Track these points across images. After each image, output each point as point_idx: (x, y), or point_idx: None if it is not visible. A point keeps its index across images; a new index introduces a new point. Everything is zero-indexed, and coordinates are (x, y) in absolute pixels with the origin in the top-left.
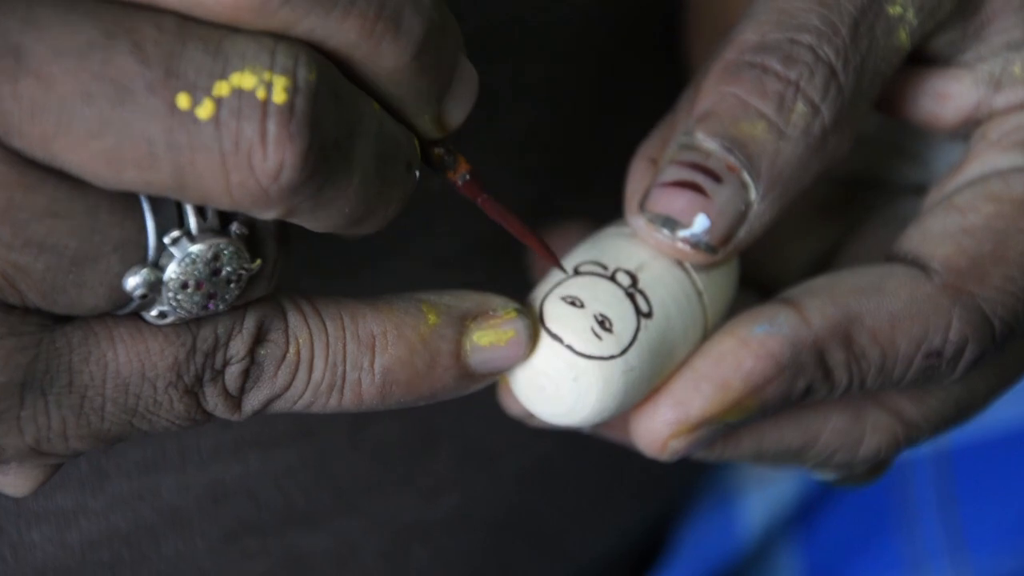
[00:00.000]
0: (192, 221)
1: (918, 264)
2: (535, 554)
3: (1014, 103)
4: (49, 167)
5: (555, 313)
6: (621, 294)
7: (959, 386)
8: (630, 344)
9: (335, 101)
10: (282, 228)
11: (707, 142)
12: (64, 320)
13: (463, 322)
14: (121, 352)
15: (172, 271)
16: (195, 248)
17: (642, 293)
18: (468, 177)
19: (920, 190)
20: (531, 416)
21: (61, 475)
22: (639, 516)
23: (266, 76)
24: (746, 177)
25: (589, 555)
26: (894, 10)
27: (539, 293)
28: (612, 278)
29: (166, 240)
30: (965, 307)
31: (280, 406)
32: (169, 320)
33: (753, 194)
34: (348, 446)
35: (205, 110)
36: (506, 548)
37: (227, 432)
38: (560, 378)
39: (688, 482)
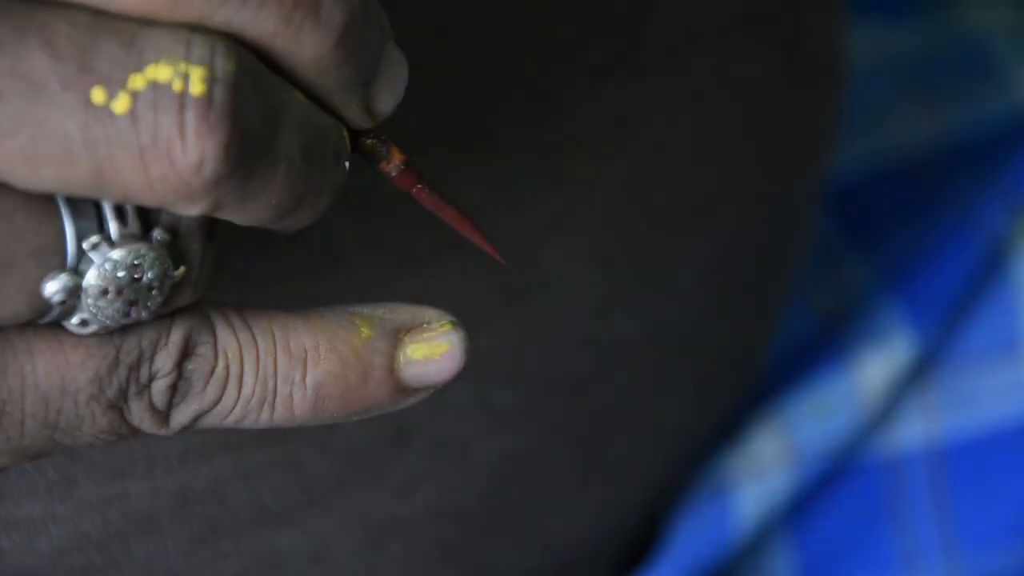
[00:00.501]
0: (112, 226)
1: None
2: (513, 544)
3: None
4: None
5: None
6: None
7: None
8: None
9: (256, 91)
10: (208, 234)
11: None
12: None
13: (397, 335)
14: (40, 365)
15: (91, 277)
16: (115, 254)
17: None
18: (402, 167)
19: None
20: None
21: (29, 482)
22: (620, 503)
23: (182, 67)
24: None
25: (567, 542)
26: None
27: None
28: None
29: (85, 246)
30: None
31: (209, 421)
32: (91, 329)
33: None
34: (318, 445)
35: (121, 104)
36: (483, 539)
37: (195, 435)
38: None
39: (669, 471)
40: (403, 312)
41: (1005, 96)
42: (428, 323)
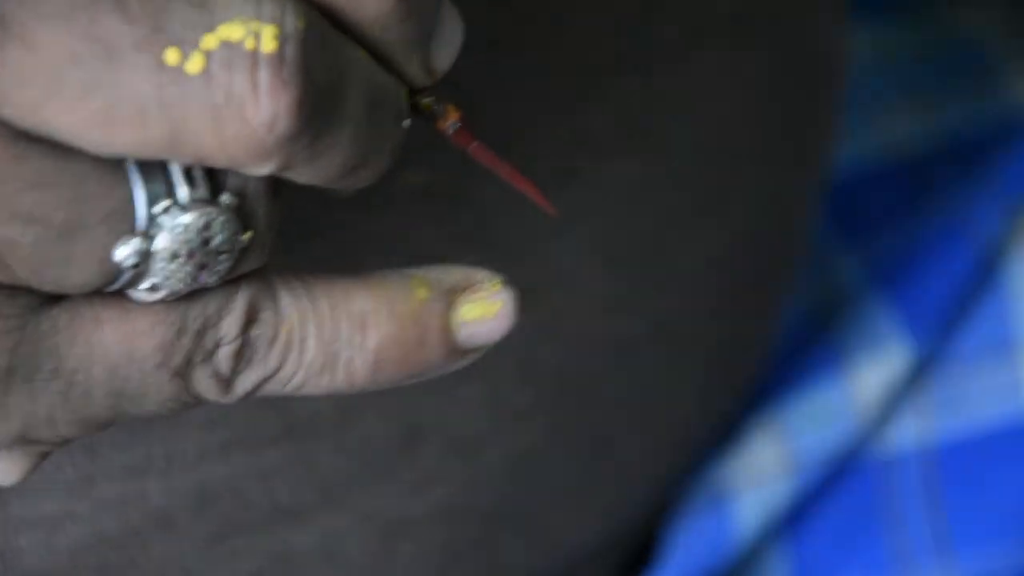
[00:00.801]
0: (181, 190)
1: None
2: (523, 543)
3: None
4: (36, 137)
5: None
6: None
7: None
8: None
9: (324, 48)
10: (274, 198)
11: None
12: (50, 302)
13: (451, 296)
14: (108, 334)
15: (162, 241)
16: (185, 218)
17: None
18: (459, 125)
19: None
20: None
21: (47, 480)
22: (627, 501)
23: (254, 26)
24: None
25: (575, 543)
26: None
27: None
28: None
29: (155, 210)
30: None
31: (271, 388)
32: (160, 295)
33: None
34: (333, 443)
35: (194, 64)
36: (493, 538)
37: (213, 434)
38: None
39: (675, 471)
40: (455, 273)
41: (999, 96)
42: (480, 283)
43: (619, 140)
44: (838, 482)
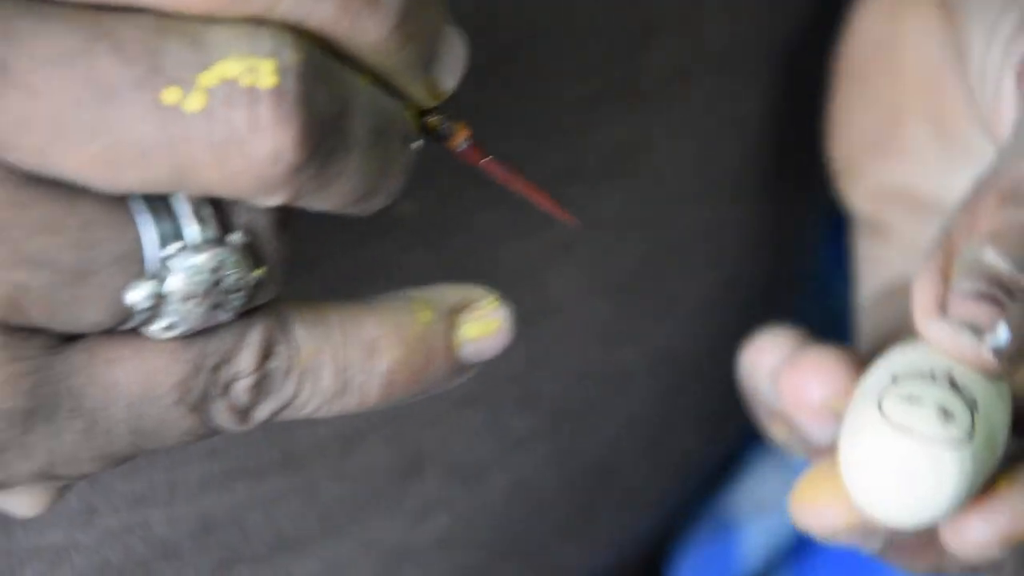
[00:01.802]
0: (191, 231)
1: None
2: (526, 571)
3: None
4: (42, 183)
5: (896, 409)
6: (947, 387)
7: None
8: (972, 431)
9: (324, 79)
10: (283, 232)
11: (998, 261)
12: (67, 343)
13: (452, 316)
14: (126, 373)
15: (174, 283)
16: (196, 259)
17: (964, 388)
18: (469, 143)
19: None
20: (856, 525)
21: (51, 511)
22: (629, 531)
23: (251, 62)
24: None
25: (579, 571)
26: None
27: (866, 398)
28: (932, 377)
29: (166, 253)
30: None
31: (287, 415)
32: (177, 332)
33: None
34: (335, 471)
35: (194, 102)
36: (496, 567)
37: (215, 463)
38: (916, 469)
39: (679, 500)
40: (454, 293)
41: None
42: (477, 302)
43: (612, 170)
44: None
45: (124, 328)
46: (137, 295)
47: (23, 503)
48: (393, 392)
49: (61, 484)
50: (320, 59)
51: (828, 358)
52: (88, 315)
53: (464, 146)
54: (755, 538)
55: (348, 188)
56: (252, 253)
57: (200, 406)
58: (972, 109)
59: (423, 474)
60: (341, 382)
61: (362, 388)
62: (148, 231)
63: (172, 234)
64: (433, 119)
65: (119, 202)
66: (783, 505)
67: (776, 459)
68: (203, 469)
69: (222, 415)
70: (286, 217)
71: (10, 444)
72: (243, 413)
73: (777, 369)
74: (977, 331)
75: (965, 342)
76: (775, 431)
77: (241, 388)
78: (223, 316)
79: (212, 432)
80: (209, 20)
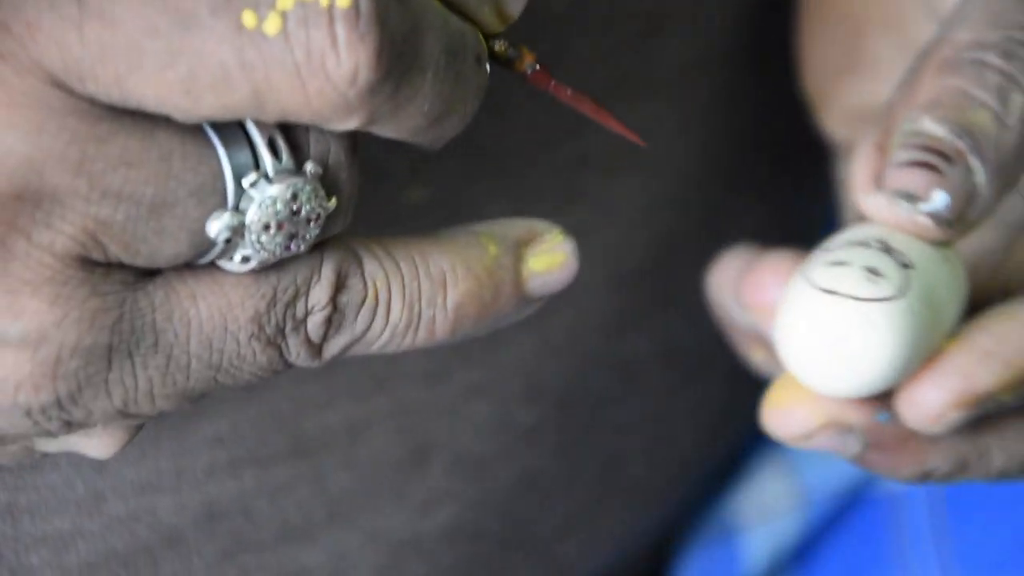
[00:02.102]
0: (268, 162)
1: None
2: (530, 565)
3: None
4: (122, 116)
5: (822, 274)
6: (879, 251)
7: None
8: (907, 288)
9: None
10: (354, 164)
11: (936, 127)
12: (145, 279)
13: (519, 249)
14: (203, 307)
15: (253, 214)
16: (273, 189)
17: (899, 252)
18: (536, 66)
19: None
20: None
21: (58, 498)
22: (634, 526)
23: None
24: (974, 161)
25: (584, 566)
26: None
27: (799, 273)
28: (865, 244)
29: (244, 183)
30: None
31: (358, 349)
32: (251, 265)
33: (979, 177)
34: (342, 461)
35: (272, 25)
36: (501, 559)
37: (222, 451)
38: (845, 330)
39: (683, 496)
40: (519, 227)
41: None
42: (542, 234)
43: (622, 161)
44: (846, 516)
45: (201, 262)
46: (217, 226)
47: (98, 444)
48: (462, 325)
49: (135, 423)
50: None
51: (783, 258)
52: (168, 248)
53: (532, 69)
54: (758, 543)
55: (423, 110)
56: (325, 183)
57: (275, 340)
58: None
59: (430, 465)
60: (411, 315)
61: (432, 321)
62: (226, 162)
63: (249, 164)
64: (500, 44)
65: (197, 133)
66: (786, 511)
67: (779, 465)
68: (210, 456)
69: (296, 349)
70: (355, 148)
71: (91, 381)
72: (316, 347)
73: (739, 282)
74: (912, 199)
75: (900, 210)
76: (753, 356)
77: (315, 322)
78: (299, 247)
79: (285, 367)
80: None
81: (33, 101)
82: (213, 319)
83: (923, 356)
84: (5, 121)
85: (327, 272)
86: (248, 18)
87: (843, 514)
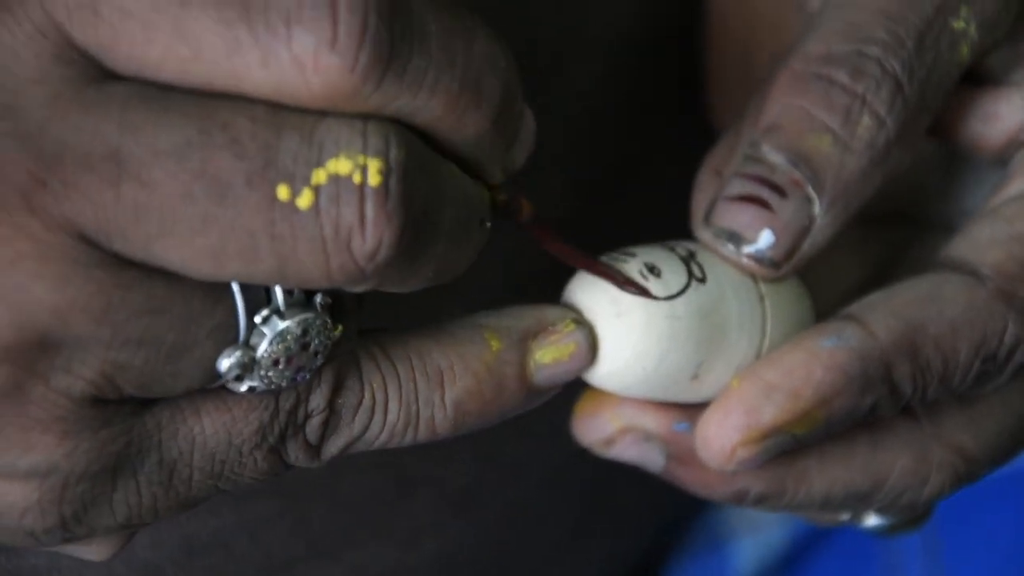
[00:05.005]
0: (280, 298)
1: (968, 271)
2: None
3: None
4: (145, 265)
5: (605, 262)
6: (675, 257)
7: (1012, 417)
8: (678, 294)
9: (423, 174)
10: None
11: (773, 155)
12: (152, 401)
13: (524, 343)
14: (208, 425)
15: (264, 350)
16: (285, 325)
17: (699, 265)
18: (532, 218)
19: (951, 228)
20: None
21: None
22: (620, 554)
23: (360, 160)
24: (811, 191)
25: None
26: (958, 24)
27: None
28: (671, 249)
29: (256, 319)
30: (1019, 311)
31: (358, 448)
32: (257, 391)
33: (817, 208)
34: (324, 496)
35: (305, 200)
36: None
37: None
38: (603, 315)
39: (668, 520)
40: (527, 317)
41: None
42: (553, 325)
43: (619, 183)
44: (837, 526)
45: (210, 387)
46: (228, 363)
47: (96, 550)
48: (464, 422)
49: (134, 530)
50: (419, 152)
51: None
52: (180, 385)
53: (530, 221)
54: (748, 553)
55: (428, 274)
56: (333, 313)
57: (276, 447)
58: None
59: (415, 499)
60: (409, 414)
61: (431, 420)
62: (240, 299)
63: (262, 299)
64: (502, 196)
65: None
66: (776, 520)
67: None
68: None
69: (295, 453)
70: None
71: (96, 502)
72: (315, 449)
73: None
74: (736, 239)
75: (725, 251)
76: None
77: (313, 425)
78: (303, 378)
79: (285, 470)
80: (321, 114)
81: (62, 255)
82: (218, 435)
83: (698, 373)
84: (33, 272)
85: (327, 378)
86: (283, 191)
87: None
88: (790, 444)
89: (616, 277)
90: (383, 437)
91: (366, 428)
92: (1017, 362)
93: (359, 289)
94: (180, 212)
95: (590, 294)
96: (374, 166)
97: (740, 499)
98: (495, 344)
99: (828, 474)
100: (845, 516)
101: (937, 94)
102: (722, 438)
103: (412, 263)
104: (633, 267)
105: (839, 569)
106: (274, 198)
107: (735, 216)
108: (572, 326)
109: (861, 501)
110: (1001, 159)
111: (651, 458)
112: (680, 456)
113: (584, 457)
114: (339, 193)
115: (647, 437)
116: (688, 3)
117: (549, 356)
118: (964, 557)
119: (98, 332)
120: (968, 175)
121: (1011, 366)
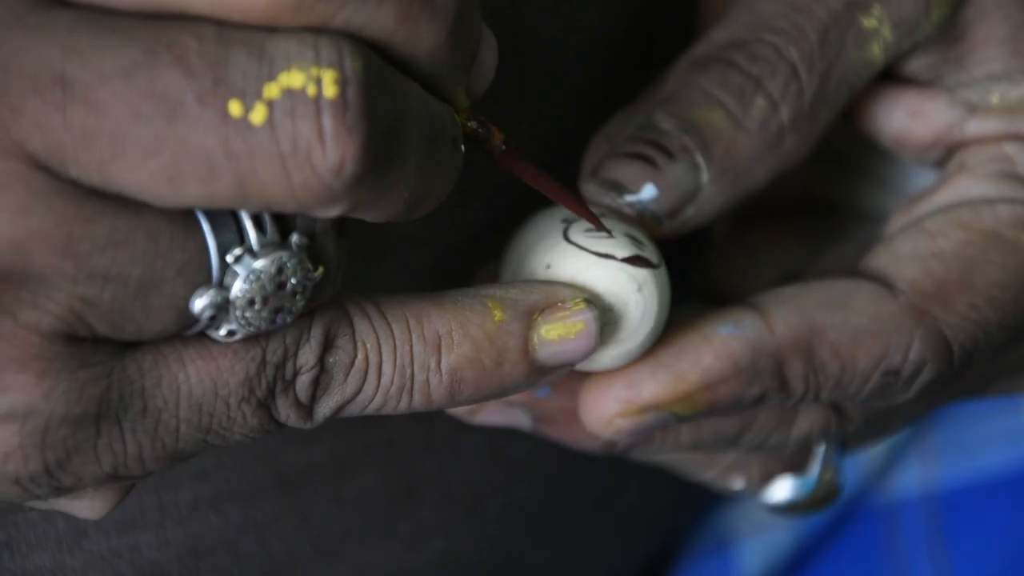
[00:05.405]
0: (253, 237)
1: (884, 282)
2: None
3: (989, 133)
4: (107, 195)
5: (590, 240)
6: (629, 229)
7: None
8: (661, 262)
9: (383, 87)
10: (340, 230)
11: (664, 122)
12: (133, 346)
13: (530, 316)
14: (192, 373)
15: (238, 289)
16: (258, 264)
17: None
18: (503, 147)
19: (885, 217)
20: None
21: (38, 534)
22: (625, 555)
23: (314, 72)
24: (699, 159)
25: None
26: (869, 23)
27: (547, 236)
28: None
29: (229, 259)
30: (928, 329)
31: (351, 411)
32: (238, 337)
33: (704, 176)
34: (329, 497)
35: (258, 115)
36: None
37: (206, 486)
38: (625, 292)
39: (676, 522)
40: (536, 292)
41: None
42: (562, 302)
43: None
44: (843, 527)
45: (188, 334)
46: (201, 303)
47: (89, 505)
48: (460, 391)
49: (126, 484)
50: (379, 67)
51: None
52: (153, 325)
53: (501, 148)
54: (753, 554)
55: (404, 196)
56: (312, 254)
57: (265, 402)
58: None
59: (419, 499)
60: (404, 378)
61: (426, 385)
62: (211, 238)
63: (235, 239)
64: (471, 123)
65: (183, 210)
66: (781, 522)
67: None
68: (194, 492)
69: (286, 411)
70: (343, 218)
71: (80, 448)
72: (306, 409)
73: None
74: (620, 189)
75: (607, 200)
76: None
77: (303, 383)
78: (285, 319)
79: (278, 429)
80: (270, 29)
81: (17, 183)
82: (203, 384)
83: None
84: None
85: (316, 333)
86: (234, 107)
87: (838, 525)
88: (670, 421)
89: (590, 214)
90: (377, 400)
91: (359, 390)
92: (924, 381)
93: (333, 212)
94: (131, 133)
95: (606, 272)
96: (328, 77)
97: (609, 450)
98: (498, 314)
99: (696, 422)
100: (739, 486)
101: (841, 89)
102: (600, 408)
103: (382, 182)
104: (624, 239)
105: (845, 570)
106: (226, 115)
107: (621, 169)
108: (583, 304)
109: (729, 444)
110: (924, 159)
111: (520, 422)
112: (547, 418)
113: (591, 458)
114: (294, 106)
115: (510, 404)
116: (684, 1)
117: (555, 332)
118: (971, 558)
119: (62, 265)
120: (899, 168)
121: (918, 384)
